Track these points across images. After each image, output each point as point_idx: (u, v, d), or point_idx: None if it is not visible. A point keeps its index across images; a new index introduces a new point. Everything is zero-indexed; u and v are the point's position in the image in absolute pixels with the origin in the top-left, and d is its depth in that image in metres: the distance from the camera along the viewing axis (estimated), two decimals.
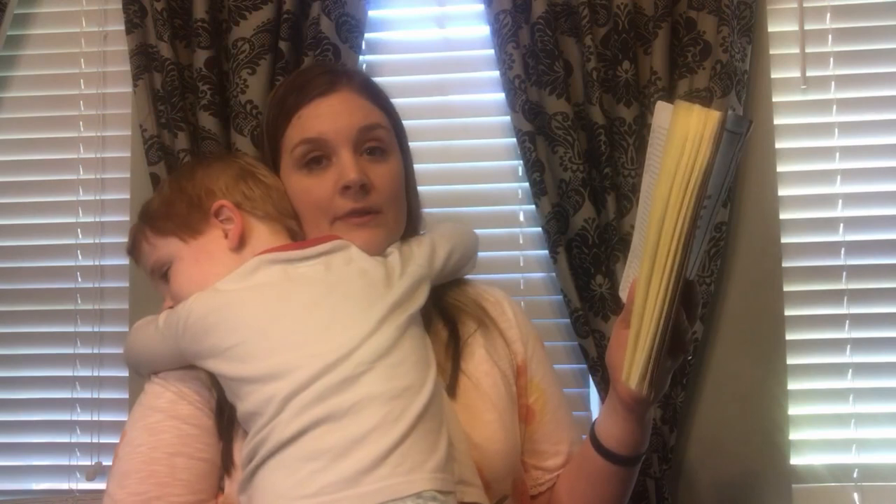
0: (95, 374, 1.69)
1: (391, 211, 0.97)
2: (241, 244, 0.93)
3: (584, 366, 1.53)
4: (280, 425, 0.76)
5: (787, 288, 1.59)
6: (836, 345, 1.59)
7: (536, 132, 1.52)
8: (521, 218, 1.65)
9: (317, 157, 0.96)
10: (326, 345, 0.79)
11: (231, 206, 0.95)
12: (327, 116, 0.96)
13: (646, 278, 0.70)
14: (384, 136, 0.99)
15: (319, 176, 0.96)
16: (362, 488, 0.72)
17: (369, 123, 0.97)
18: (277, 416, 0.76)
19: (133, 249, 1.01)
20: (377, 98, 1.01)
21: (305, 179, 0.96)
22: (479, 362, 0.99)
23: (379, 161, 0.97)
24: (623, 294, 0.83)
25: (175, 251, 0.95)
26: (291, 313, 0.83)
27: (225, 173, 0.98)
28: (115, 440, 1.65)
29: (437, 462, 0.76)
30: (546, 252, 1.55)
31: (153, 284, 1.00)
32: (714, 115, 0.65)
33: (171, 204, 0.97)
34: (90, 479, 1.64)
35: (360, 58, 1.61)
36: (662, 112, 0.79)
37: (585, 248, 1.51)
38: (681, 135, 0.67)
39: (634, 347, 0.71)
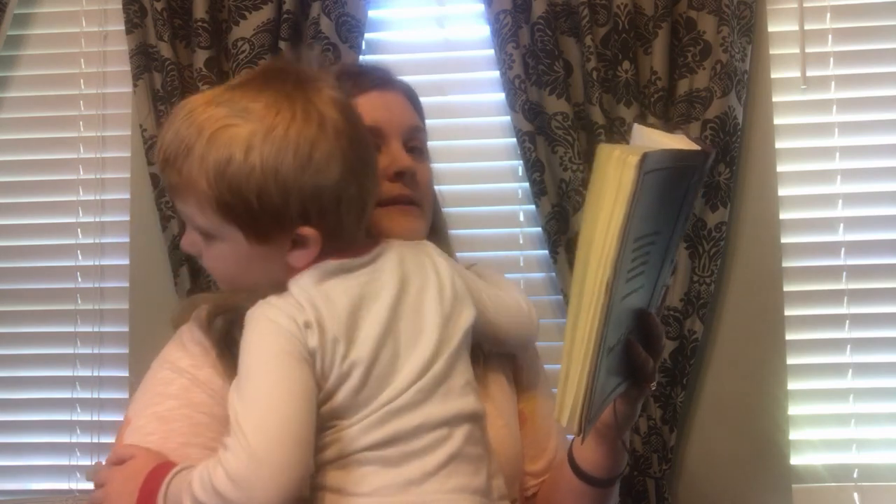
0: (95, 374, 1.69)
1: (426, 208, 1.00)
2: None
3: None
4: (346, 438, 0.77)
5: (787, 288, 1.59)
6: (836, 345, 1.59)
7: (536, 132, 1.52)
8: (521, 218, 1.65)
9: None
10: (394, 377, 0.79)
11: (317, 238, 0.79)
12: (383, 109, 0.97)
13: (572, 320, 0.71)
14: (425, 140, 1.03)
15: None
16: (410, 497, 0.75)
17: (417, 125, 1.01)
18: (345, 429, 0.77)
19: (171, 187, 0.81)
20: (419, 110, 1.05)
21: None
22: (488, 367, 0.99)
23: (419, 160, 1.00)
24: None
25: (230, 238, 0.80)
26: (366, 333, 0.79)
27: (332, 185, 0.78)
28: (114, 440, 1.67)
29: (479, 485, 0.79)
30: (546, 252, 1.55)
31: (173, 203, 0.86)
32: (631, 161, 0.65)
33: (260, 195, 0.75)
34: (90, 479, 1.64)
35: (360, 58, 1.61)
36: (637, 134, 0.80)
37: None
38: (600, 181, 0.67)
39: (564, 387, 0.72)
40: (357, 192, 0.81)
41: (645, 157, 0.64)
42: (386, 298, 0.80)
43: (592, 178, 0.68)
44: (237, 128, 0.76)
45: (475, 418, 0.82)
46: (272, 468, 0.69)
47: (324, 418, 0.76)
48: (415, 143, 1.00)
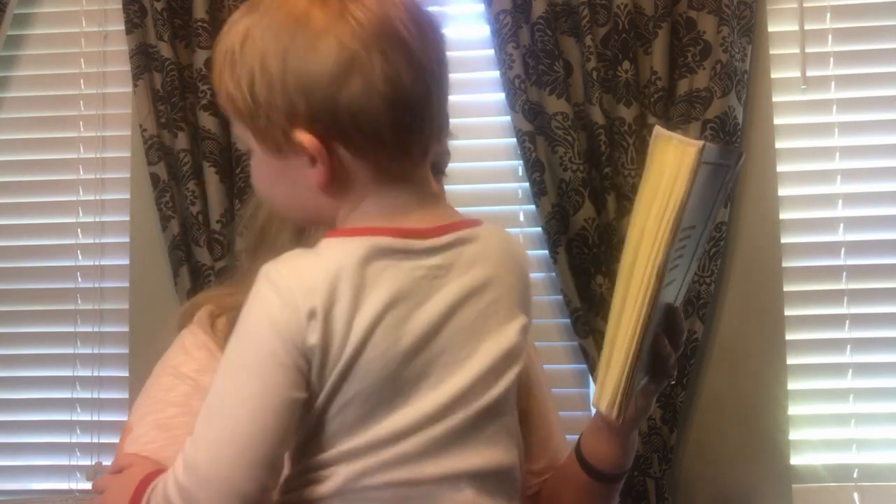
0: (95, 374, 1.69)
1: None
2: (334, 187, 0.68)
3: (584, 366, 1.53)
4: (354, 471, 0.69)
5: (787, 288, 1.58)
6: (836, 345, 1.59)
7: (536, 132, 1.52)
8: (521, 218, 1.65)
9: None
10: (409, 401, 0.68)
11: (318, 149, 0.66)
12: None
13: (619, 306, 0.71)
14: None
15: None
16: None
17: None
18: (354, 462, 0.69)
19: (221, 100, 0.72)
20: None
21: None
22: None
23: (437, 179, 0.97)
24: None
25: (255, 149, 0.72)
26: (407, 347, 0.68)
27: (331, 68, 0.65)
28: (115, 440, 1.67)
29: None
30: (546, 252, 1.55)
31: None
32: (691, 150, 0.65)
33: (251, 86, 0.66)
34: (90, 479, 1.64)
35: None
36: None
37: (585, 248, 1.51)
38: (658, 167, 0.68)
39: (605, 373, 0.72)
40: (385, 110, 0.66)
41: (704, 147, 0.66)
42: (440, 303, 0.68)
43: (648, 164, 0.69)
44: (246, 17, 0.69)
45: (499, 471, 0.72)
46: (217, 487, 0.64)
47: (312, 445, 0.68)
48: None
